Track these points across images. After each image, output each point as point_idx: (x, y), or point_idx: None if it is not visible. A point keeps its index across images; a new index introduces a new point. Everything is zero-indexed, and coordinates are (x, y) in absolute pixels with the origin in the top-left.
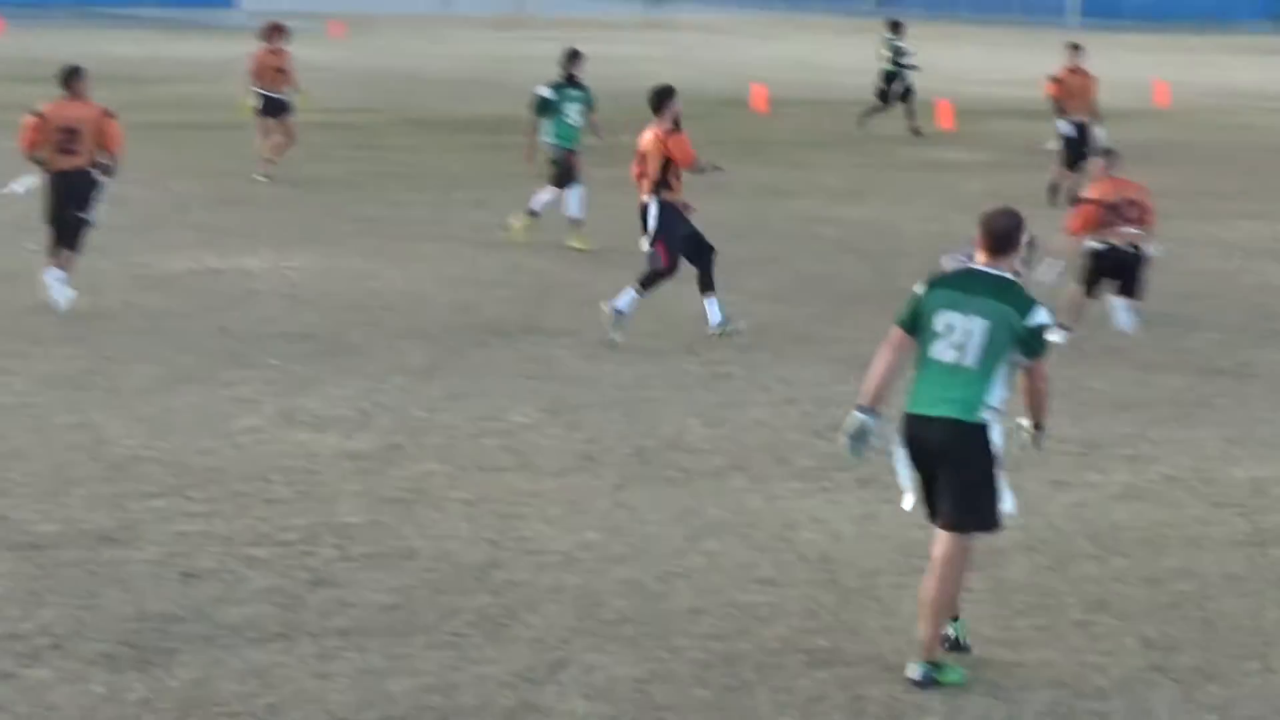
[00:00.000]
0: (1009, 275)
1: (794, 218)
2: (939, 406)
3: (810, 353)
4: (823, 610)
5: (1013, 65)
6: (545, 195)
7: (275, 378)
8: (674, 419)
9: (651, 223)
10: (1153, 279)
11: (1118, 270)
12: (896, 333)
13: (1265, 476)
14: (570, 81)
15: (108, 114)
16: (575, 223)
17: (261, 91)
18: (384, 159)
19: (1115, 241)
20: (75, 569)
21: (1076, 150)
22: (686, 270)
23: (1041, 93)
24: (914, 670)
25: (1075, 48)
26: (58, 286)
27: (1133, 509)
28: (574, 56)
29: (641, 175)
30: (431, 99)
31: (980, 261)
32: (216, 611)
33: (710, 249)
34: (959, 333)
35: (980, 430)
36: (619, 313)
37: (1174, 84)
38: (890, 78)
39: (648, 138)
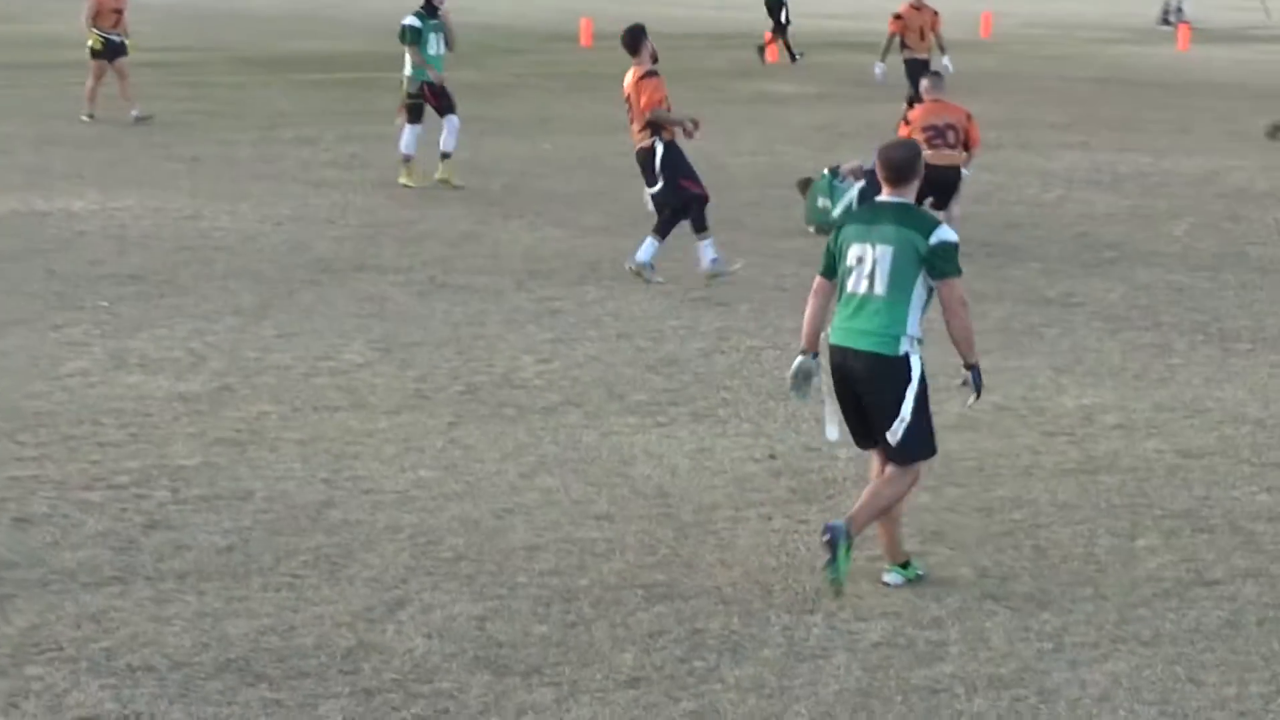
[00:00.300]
0: (909, 202)
1: (624, 152)
2: (860, 340)
3: (642, 287)
4: (660, 545)
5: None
6: (408, 134)
7: (105, 320)
8: (507, 355)
9: (660, 167)
10: (977, 210)
11: (935, 188)
12: (818, 280)
13: (1094, 404)
14: (431, 12)
15: None
16: (445, 157)
17: (101, 33)
18: (209, 97)
19: (935, 162)
20: None
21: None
22: (528, 205)
23: (884, 27)
24: (888, 576)
25: None
26: None
27: (964, 439)
28: None
29: (633, 120)
30: (256, 36)
31: (884, 193)
32: (50, 556)
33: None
34: (868, 262)
35: (902, 362)
36: (644, 264)
37: (997, 15)
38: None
39: (629, 80)
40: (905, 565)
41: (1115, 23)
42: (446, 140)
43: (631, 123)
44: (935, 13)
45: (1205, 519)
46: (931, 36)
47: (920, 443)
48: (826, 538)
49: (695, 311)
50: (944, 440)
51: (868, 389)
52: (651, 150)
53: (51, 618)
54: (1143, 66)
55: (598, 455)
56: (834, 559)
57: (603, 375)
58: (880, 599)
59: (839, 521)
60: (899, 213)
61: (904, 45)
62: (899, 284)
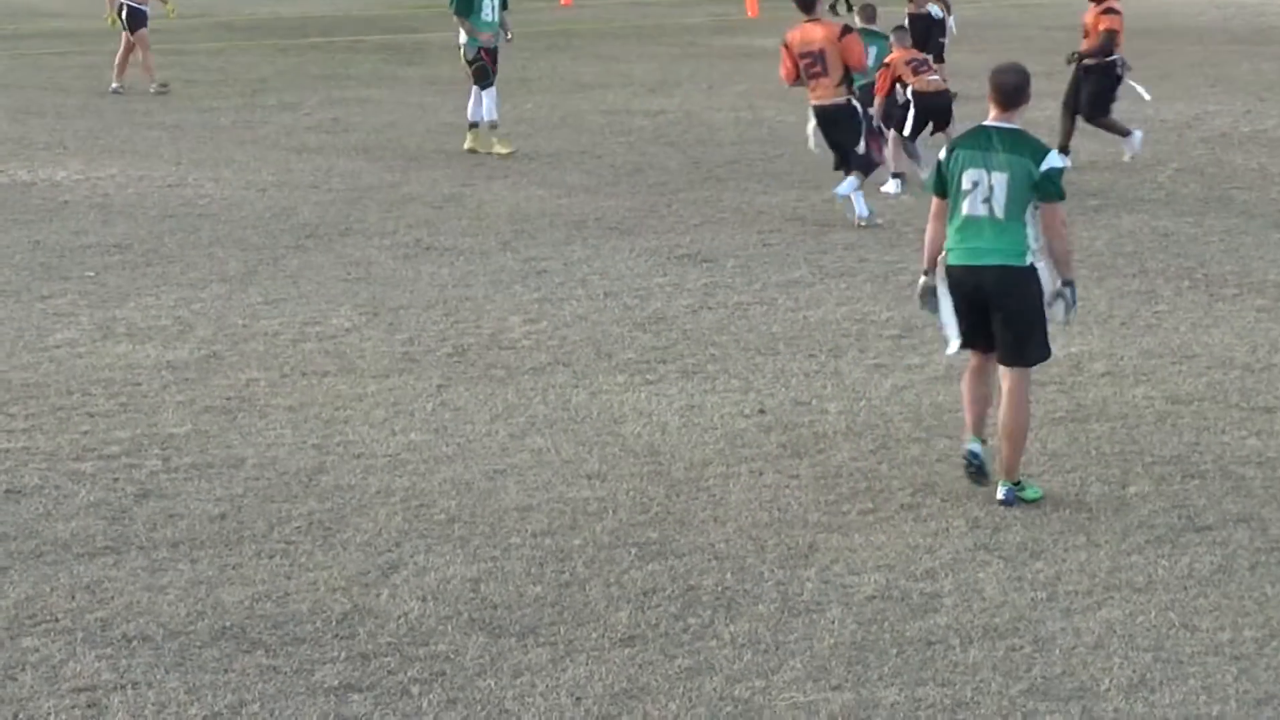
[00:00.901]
0: (1020, 127)
1: (605, 110)
2: (986, 257)
3: (627, 245)
4: (652, 503)
5: None
6: (486, 100)
7: (91, 290)
8: (494, 317)
9: (859, 123)
10: None
11: (933, 114)
12: (935, 202)
13: (1081, 352)
14: None
15: None
16: (494, 125)
17: (129, 3)
18: (190, 64)
19: (927, 89)
20: None
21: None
22: (511, 166)
23: None
24: (1001, 490)
25: None
26: None
27: (954, 390)
28: None
29: (814, 76)
30: (234, 1)
31: (992, 117)
32: (43, 527)
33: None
34: (983, 187)
35: (1030, 271)
36: (848, 197)
37: None
38: None
39: (819, 35)
40: (1019, 485)
41: None
42: (490, 109)
43: (819, 77)
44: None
45: (1195, 465)
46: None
47: (1038, 345)
48: (1005, 502)
49: (681, 269)
50: (933, 392)
51: (1000, 301)
52: (848, 107)
53: (46, 589)
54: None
55: (588, 414)
56: (1025, 500)
57: (590, 334)
58: (874, 552)
59: (1001, 492)
60: (1013, 139)
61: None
62: (1015, 207)
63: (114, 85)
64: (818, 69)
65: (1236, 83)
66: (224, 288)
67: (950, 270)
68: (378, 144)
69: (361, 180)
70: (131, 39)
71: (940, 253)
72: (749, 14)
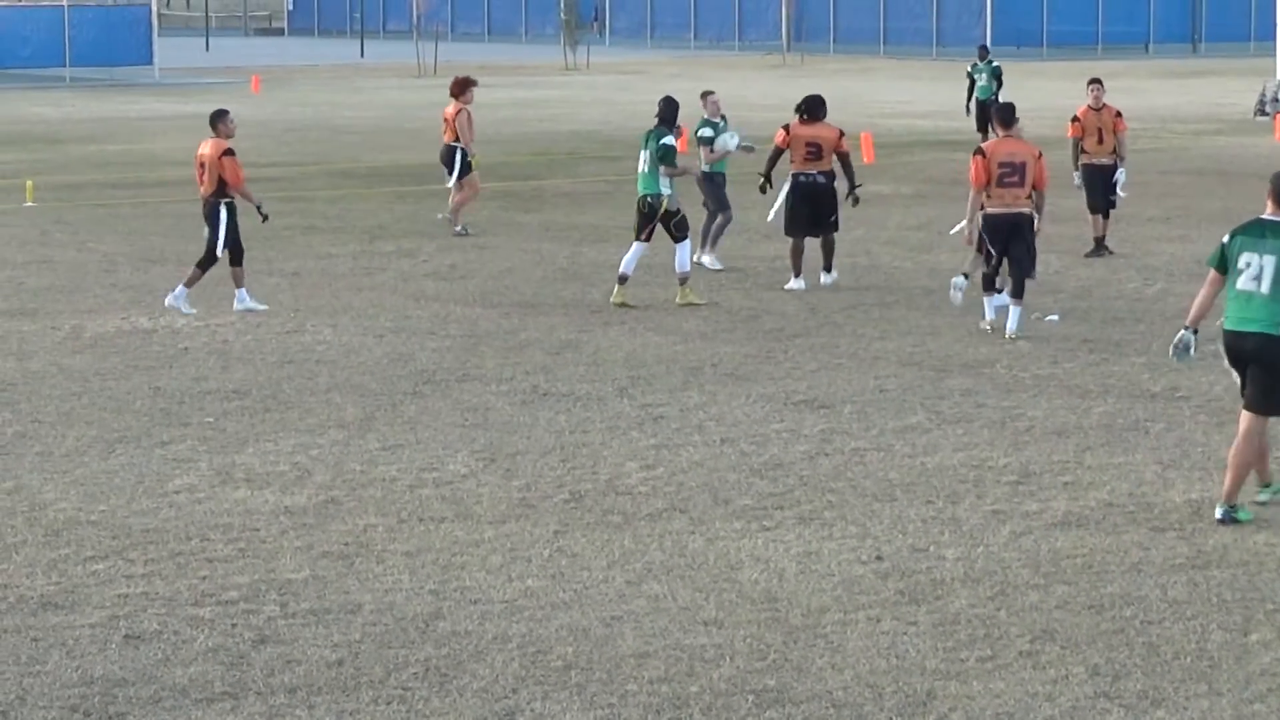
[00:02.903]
0: None
1: (722, 255)
2: (1250, 324)
3: (743, 391)
4: (769, 650)
5: (929, 97)
6: (638, 254)
7: (210, 436)
8: (611, 462)
9: (1031, 236)
10: (1078, 305)
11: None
12: (1212, 273)
13: (1202, 499)
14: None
15: (224, 152)
16: (687, 277)
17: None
18: (308, 210)
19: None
20: (17, 636)
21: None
22: (628, 312)
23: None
24: (1218, 510)
25: (1096, 83)
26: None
27: (1073, 536)
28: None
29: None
30: (352, 149)
31: (1268, 212)
32: (162, 673)
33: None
34: (1254, 268)
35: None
36: (1016, 332)
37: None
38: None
39: (1020, 150)
40: (1234, 507)
41: (1211, 114)
42: (685, 260)
43: (1012, 188)
44: (1118, 113)
45: None
46: (1113, 139)
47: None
48: (1221, 521)
49: (798, 414)
50: (1051, 538)
51: (1255, 360)
52: (1031, 219)
53: None
54: (1241, 158)
55: (704, 561)
56: (1239, 522)
57: (707, 480)
58: (992, 700)
59: (1219, 512)
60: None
61: (1082, 150)
62: (1277, 287)
63: (457, 227)
64: (1014, 179)
65: None
66: (341, 433)
67: (1224, 334)
68: (495, 290)
69: (479, 326)
70: (462, 183)
71: (1202, 314)
72: (865, 160)
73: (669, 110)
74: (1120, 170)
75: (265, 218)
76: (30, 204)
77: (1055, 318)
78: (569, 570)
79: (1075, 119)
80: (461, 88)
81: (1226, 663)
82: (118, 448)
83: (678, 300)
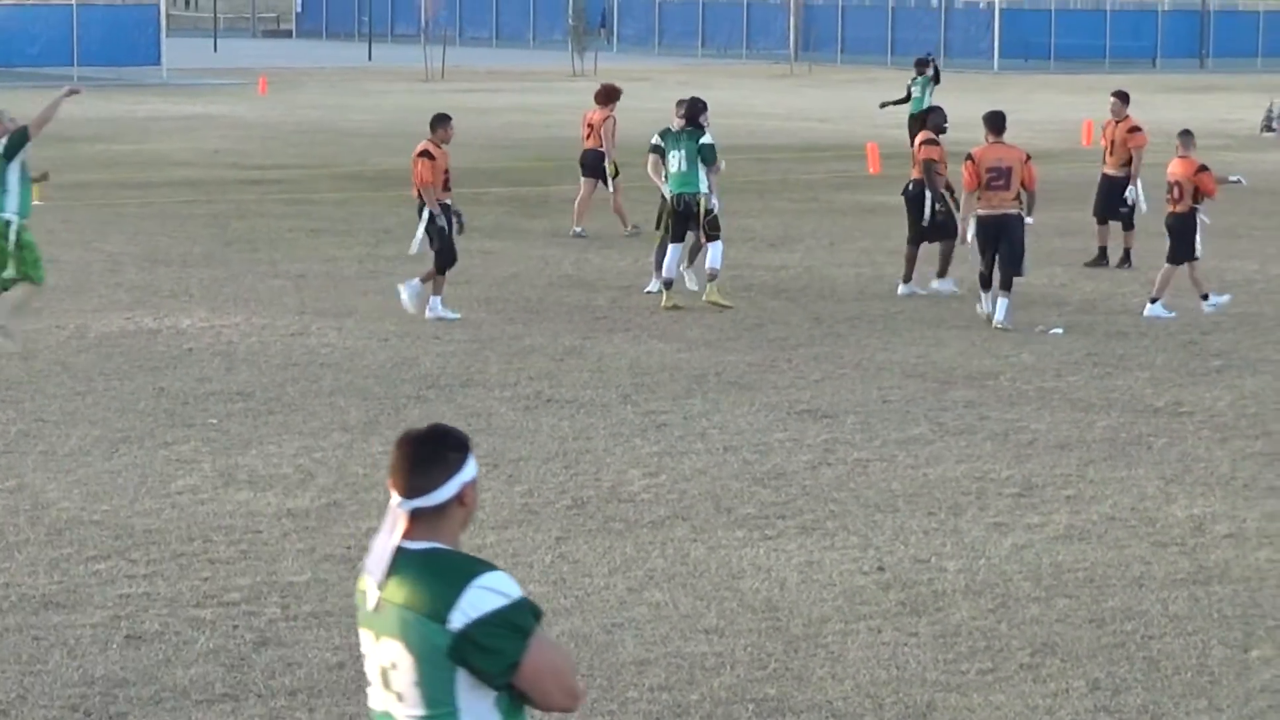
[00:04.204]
0: None
1: (727, 265)
2: None
3: (747, 400)
4: (770, 659)
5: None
6: (678, 256)
7: (214, 437)
8: (613, 469)
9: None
10: (1082, 320)
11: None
12: None
13: (1204, 514)
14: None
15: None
16: (716, 274)
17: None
18: (314, 213)
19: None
20: (18, 635)
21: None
22: (632, 319)
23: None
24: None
25: (1122, 97)
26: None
27: (1074, 550)
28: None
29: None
30: (359, 152)
31: None
32: (163, 673)
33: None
34: None
35: None
36: (1004, 321)
37: (1098, 123)
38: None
39: (1012, 154)
40: None
41: (1218, 130)
42: (718, 258)
43: (999, 191)
44: (1131, 128)
45: None
46: (1125, 153)
47: None
48: None
49: (801, 424)
50: (1053, 551)
51: None
52: (1019, 219)
53: None
54: (1247, 174)
55: (706, 569)
56: None
57: (710, 489)
58: (992, 712)
59: None
60: None
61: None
62: None
63: (575, 229)
64: (1000, 182)
65: None
66: (345, 437)
67: None
68: (499, 295)
69: (483, 331)
70: (602, 185)
71: None
72: (870, 170)
73: (695, 109)
74: (1130, 187)
75: (434, 223)
76: (37, 202)
77: (1059, 330)
78: (570, 576)
79: (1104, 128)
80: (609, 95)
81: (1227, 678)
82: (121, 448)
83: (705, 297)
